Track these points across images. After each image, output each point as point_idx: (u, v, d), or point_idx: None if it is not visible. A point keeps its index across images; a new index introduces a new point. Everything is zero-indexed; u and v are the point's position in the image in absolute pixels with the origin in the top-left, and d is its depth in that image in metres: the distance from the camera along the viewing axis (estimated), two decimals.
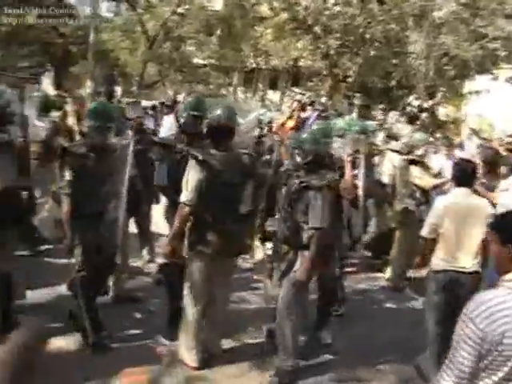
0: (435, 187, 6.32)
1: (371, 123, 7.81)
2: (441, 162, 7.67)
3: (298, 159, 4.53)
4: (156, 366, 4.50)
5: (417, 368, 4.73)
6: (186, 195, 4.14)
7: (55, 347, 4.26)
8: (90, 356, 4.52)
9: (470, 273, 4.44)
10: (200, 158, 4.10)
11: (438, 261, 4.55)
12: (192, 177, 4.12)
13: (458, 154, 8.01)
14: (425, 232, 4.66)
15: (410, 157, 6.34)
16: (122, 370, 4.32)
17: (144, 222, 6.15)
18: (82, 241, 4.47)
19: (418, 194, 6.32)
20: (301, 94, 8.99)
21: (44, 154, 5.66)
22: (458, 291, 4.32)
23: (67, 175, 4.40)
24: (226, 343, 4.91)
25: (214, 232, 4.15)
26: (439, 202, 4.69)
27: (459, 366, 2.18)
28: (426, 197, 6.37)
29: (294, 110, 8.03)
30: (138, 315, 5.48)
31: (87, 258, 4.45)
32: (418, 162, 6.29)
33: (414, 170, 6.32)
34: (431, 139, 7.94)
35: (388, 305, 6.39)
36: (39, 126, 6.27)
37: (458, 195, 4.61)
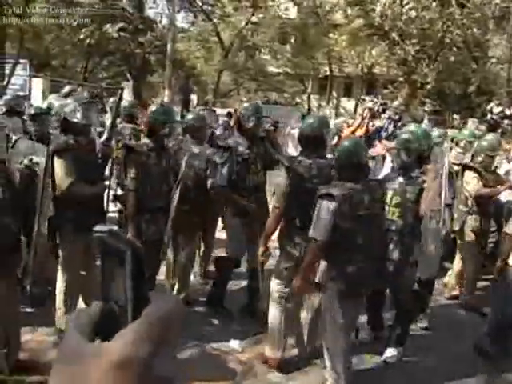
0: (481, 196, 5.80)
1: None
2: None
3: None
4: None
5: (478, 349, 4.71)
6: (318, 234, 3.73)
7: None
8: None
9: None
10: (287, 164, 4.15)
11: None
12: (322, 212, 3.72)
13: None
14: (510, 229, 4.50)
15: (464, 162, 6.00)
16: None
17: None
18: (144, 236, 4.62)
19: (469, 202, 5.94)
20: (371, 100, 8.72)
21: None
22: None
23: (131, 172, 4.61)
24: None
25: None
26: None
27: None
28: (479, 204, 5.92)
29: (364, 118, 7.86)
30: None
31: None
32: (473, 168, 5.87)
33: (468, 176, 5.92)
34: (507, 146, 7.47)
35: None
36: (124, 134, 6.56)
37: None
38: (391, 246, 4.43)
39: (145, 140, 4.82)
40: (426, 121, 8.84)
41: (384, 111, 8.34)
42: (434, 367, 4.67)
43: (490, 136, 6.68)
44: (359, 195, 3.75)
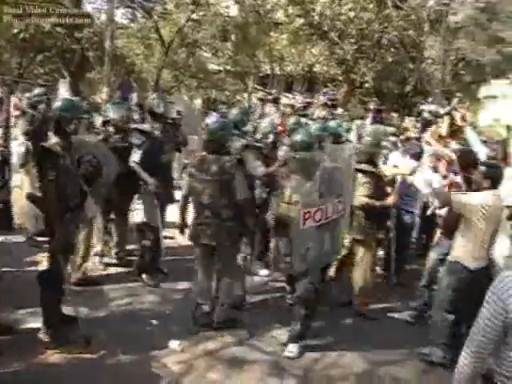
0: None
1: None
2: None
3: None
4: None
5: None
6: None
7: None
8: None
9: None
10: None
11: None
12: None
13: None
14: None
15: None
16: None
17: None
18: None
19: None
20: (293, 98, 8.84)
21: None
22: None
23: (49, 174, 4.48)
24: None
25: None
26: None
27: (480, 338, 2.36)
28: None
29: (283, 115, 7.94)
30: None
31: None
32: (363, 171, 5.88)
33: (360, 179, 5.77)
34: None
35: None
36: None
37: None
38: None
39: (54, 139, 4.60)
40: (368, 120, 8.96)
41: (305, 108, 8.36)
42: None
43: (370, 129, 6.83)
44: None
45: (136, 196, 6.55)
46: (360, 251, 5.79)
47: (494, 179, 4.63)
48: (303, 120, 7.04)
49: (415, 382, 4.68)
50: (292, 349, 4.87)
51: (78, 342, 4.63)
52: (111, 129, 6.24)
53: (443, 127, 6.68)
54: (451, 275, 4.74)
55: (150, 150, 6.05)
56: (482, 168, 4.70)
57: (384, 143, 6.73)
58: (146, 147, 6.04)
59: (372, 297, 6.01)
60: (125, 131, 6.22)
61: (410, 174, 6.32)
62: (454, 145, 6.82)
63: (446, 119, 6.74)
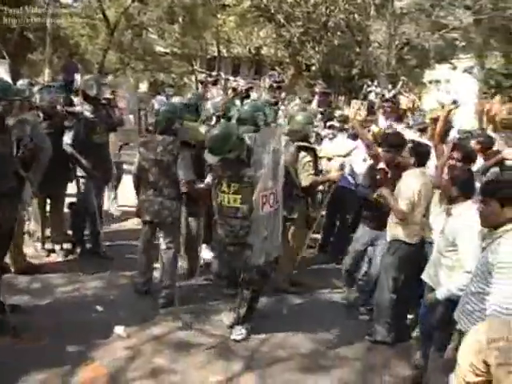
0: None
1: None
2: None
3: None
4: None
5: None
6: None
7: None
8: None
9: None
10: None
11: None
12: None
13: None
14: None
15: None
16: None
17: None
18: None
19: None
20: (235, 81, 8.86)
21: None
22: None
23: None
24: None
25: None
26: None
27: None
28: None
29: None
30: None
31: None
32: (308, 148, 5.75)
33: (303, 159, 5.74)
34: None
35: None
36: None
37: None
38: (241, 232, 4.64)
39: None
40: (314, 102, 8.97)
41: (247, 91, 8.33)
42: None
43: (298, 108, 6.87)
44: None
45: (70, 180, 6.46)
46: (291, 229, 5.84)
47: (421, 156, 4.88)
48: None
49: (361, 361, 4.76)
50: (238, 331, 4.88)
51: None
52: (40, 114, 6.09)
53: (362, 112, 6.76)
54: (393, 254, 4.84)
55: (80, 131, 6.11)
56: (410, 146, 4.95)
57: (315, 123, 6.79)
58: (77, 128, 6.11)
59: (292, 273, 6.12)
60: (53, 116, 6.09)
61: (345, 156, 6.37)
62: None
63: (364, 104, 6.82)
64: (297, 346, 4.85)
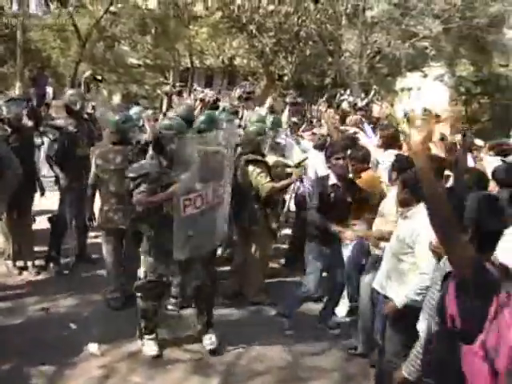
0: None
1: None
2: None
3: None
4: None
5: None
6: None
7: None
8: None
9: None
10: None
11: None
12: None
13: None
14: None
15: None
16: None
17: None
18: None
19: None
20: (202, 92, 8.79)
21: None
22: None
23: None
24: None
25: None
26: None
27: None
28: None
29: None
30: None
31: None
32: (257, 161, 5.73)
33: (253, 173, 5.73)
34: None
35: None
36: None
37: None
38: None
39: None
40: (286, 111, 9.01)
41: (215, 102, 8.30)
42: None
43: (254, 117, 6.87)
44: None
45: (36, 195, 6.44)
46: (253, 241, 5.84)
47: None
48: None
49: (338, 371, 4.74)
50: (208, 340, 4.82)
51: None
52: (7, 128, 6.02)
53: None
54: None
55: (64, 145, 6.24)
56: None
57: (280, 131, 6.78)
58: (61, 142, 6.23)
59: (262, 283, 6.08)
60: (20, 130, 6.04)
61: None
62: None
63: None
64: (274, 359, 4.81)
